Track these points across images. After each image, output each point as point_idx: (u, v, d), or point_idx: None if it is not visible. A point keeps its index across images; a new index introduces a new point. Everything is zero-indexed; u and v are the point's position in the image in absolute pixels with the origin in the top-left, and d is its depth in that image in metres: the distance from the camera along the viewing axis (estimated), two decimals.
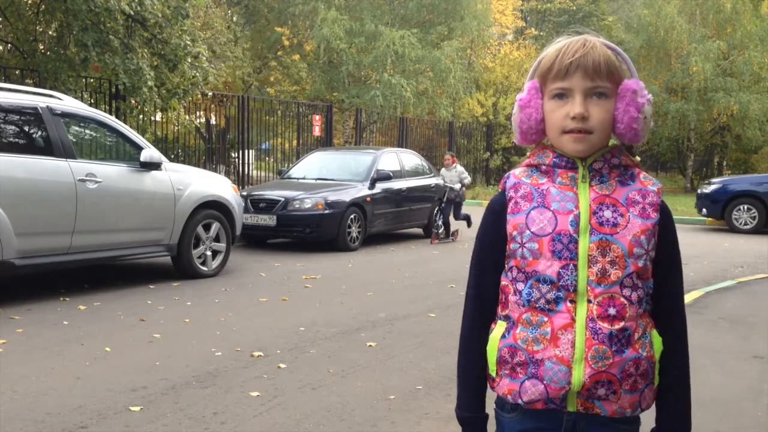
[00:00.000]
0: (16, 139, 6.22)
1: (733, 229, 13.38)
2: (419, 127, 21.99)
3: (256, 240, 10.42)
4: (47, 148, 6.15)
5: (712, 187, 13.82)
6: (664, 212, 1.45)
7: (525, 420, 1.47)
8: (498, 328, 1.47)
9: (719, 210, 13.57)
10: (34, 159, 6.03)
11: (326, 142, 17.20)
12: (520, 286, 1.44)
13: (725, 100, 22.74)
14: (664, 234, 1.45)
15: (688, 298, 6.85)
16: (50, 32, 11.58)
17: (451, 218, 11.71)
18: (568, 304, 1.39)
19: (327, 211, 9.85)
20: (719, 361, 4.78)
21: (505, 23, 30.50)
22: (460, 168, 11.67)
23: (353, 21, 20.02)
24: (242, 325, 5.52)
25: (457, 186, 11.42)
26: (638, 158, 1.53)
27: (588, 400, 1.40)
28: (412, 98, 19.95)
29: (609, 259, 1.38)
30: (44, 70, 9.99)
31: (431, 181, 12.29)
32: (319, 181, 10.95)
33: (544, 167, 1.46)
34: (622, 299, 1.38)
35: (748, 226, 13.27)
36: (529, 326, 1.42)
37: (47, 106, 6.27)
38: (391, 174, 11.13)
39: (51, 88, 8.60)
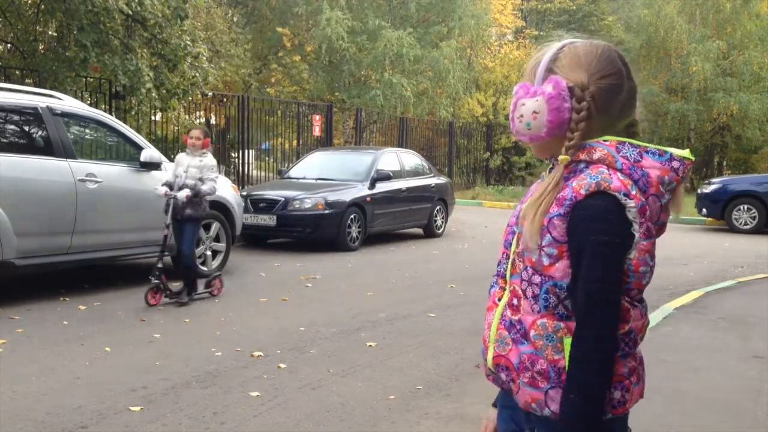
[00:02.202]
0: (16, 139, 6.22)
1: (733, 229, 13.36)
2: (419, 127, 21.97)
3: (256, 240, 10.41)
4: (47, 148, 6.15)
5: (712, 187, 13.81)
6: (576, 209, 1.33)
7: (501, 393, 1.57)
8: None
9: (719, 210, 13.55)
10: (34, 159, 6.03)
11: (326, 142, 17.18)
12: None
13: (725, 100, 22.72)
14: (571, 233, 1.35)
15: (688, 298, 6.85)
16: (50, 32, 11.58)
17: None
18: (498, 290, 1.51)
19: (327, 211, 9.85)
20: (719, 361, 4.78)
21: (504, 23, 30.44)
22: (210, 159, 6.56)
23: (356, 20, 19.99)
24: (242, 325, 5.52)
25: (182, 193, 6.11)
26: (599, 153, 1.36)
27: (506, 384, 1.47)
28: (412, 98, 19.93)
29: (519, 250, 1.44)
30: (44, 70, 9.98)
31: (431, 181, 12.30)
32: (319, 181, 10.94)
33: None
34: (519, 291, 1.43)
35: (748, 226, 13.26)
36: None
37: (47, 106, 6.27)
38: (391, 174, 11.12)
39: (51, 88, 8.58)
